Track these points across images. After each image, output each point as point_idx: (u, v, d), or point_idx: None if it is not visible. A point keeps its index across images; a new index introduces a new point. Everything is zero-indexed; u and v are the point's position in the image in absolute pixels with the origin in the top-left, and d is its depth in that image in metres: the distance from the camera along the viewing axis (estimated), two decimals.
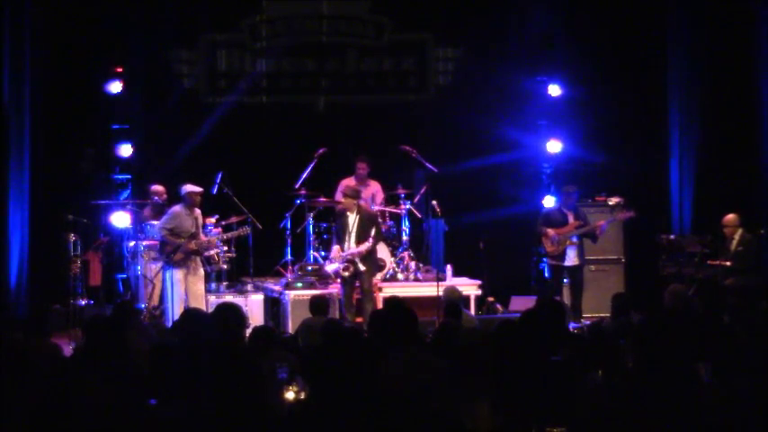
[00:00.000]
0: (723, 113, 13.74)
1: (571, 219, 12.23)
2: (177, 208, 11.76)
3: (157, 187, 12.79)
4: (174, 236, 11.59)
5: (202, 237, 11.82)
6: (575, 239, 12.15)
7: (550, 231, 12.22)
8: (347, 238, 11.74)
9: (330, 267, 12.02)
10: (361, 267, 11.63)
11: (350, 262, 11.62)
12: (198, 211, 11.79)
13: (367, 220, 11.74)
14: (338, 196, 13.36)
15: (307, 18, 14.59)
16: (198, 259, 11.74)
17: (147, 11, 13.69)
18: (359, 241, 11.64)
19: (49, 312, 12.16)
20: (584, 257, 12.33)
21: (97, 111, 13.56)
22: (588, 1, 14.22)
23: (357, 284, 11.74)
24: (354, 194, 11.90)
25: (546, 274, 13.07)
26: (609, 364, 6.56)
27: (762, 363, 5.89)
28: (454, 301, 9.98)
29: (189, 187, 11.73)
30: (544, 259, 12.78)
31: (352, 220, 11.76)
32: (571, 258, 12.19)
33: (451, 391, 5.78)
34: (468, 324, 9.37)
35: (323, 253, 13.09)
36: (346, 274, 11.65)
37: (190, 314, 8.02)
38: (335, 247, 11.93)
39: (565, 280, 12.46)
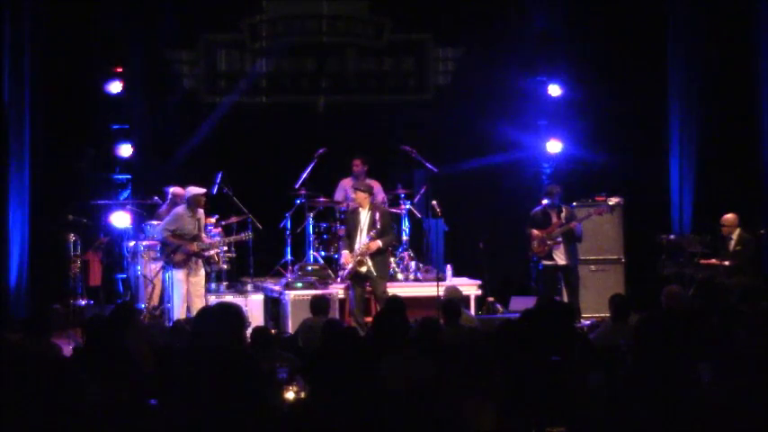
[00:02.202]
0: (723, 113, 13.74)
1: (554, 219, 12.22)
2: (180, 209, 11.74)
3: (178, 189, 12.63)
4: (176, 237, 11.58)
5: (204, 238, 11.81)
6: (558, 239, 12.15)
7: (535, 232, 12.23)
8: (358, 235, 11.52)
9: (344, 272, 11.71)
10: (374, 272, 11.40)
11: (362, 258, 11.40)
12: (201, 212, 11.77)
13: (380, 219, 11.53)
14: (338, 196, 13.37)
15: (307, 18, 14.59)
16: (199, 260, 11.73)
17: (147, 11, 13.68)
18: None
19: (49, 312, 12.18)
20: (574, 257, 12.29)
21: (97, 111, 13.55)
22: (588, 1, 14.22)
23: (368, 285, 11.59)
24: (367, 189, 11.73)
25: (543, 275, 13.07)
26: (609, 364, 6.57)
27: (762, 363, 5.89)
28: (453, 300, 9.97)
29: (193, 190, 11.70)
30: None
31: (364, 216, 11.57)
32: (559, 258, 12.18)
33: (451, 390, 5.78)
34: (468, 324, 9.38)
35: (323, 253, 13.08)
36: (363, 269, 11.40)
37: (205, 313, 8.01)
38: (345, 253, 11.65)
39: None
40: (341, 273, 11.90)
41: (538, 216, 12.32)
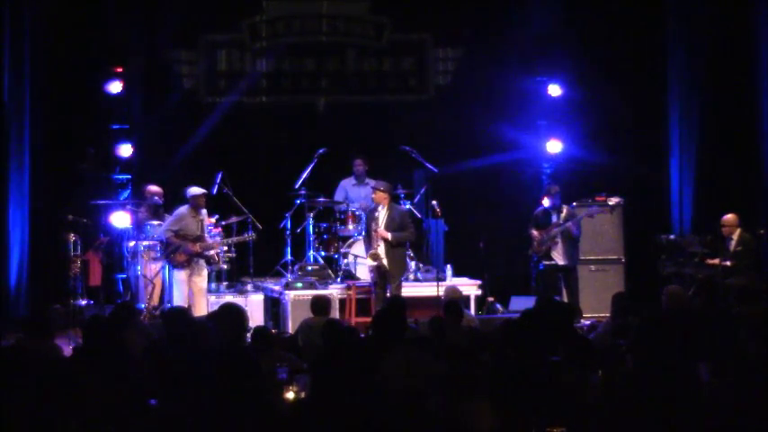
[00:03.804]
0: (723, 113, 13.74)
1: (554, 219, 12.26)
2: (183, 210, 11.73)
3: (154, 188, 12.73)
4: (179, 238, 11.57)
5: (207, 239, 11.81)
6: (557, 239, 12.19)
7: (535, 232, 12.28)
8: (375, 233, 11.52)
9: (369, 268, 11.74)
10: (389, 269, 11.39)
11: (375, 252, 11.37)
12: (204, 212, 11.78)
13: (398, 217, 11.55)
14: (338, 196, 13.38)
15: (307, 18, 14.58)
16: (201, 260, 11.73)
17: (147, 11, 13.67)
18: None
19: (50, 312, 12.16)
20: (574, 258, 12.31)
21: (97, 111, 13.54)
22: (588, 1, 14.21)
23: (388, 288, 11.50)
24: (387, 189, 11.69)
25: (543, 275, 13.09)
26: (609, 364, 6.57)
27: (761, 363, 5.89)
28: (455, 300, 9.97)
29: (194, 190, 11.71)
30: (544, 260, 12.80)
31: (382, 215, 11.56)
32: (558, 258, 12.21)
33: (451, 390, 5.78)
34: (468, 324, 9.38)
35: (323, 253, 13.08)
36: (376, 262, 11.40)
37: (173, 313, 8.05)
38: (372, 252, 11.63)
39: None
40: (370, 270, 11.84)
41: (539, 216, 12.40)
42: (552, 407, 5.65)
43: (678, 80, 14.08)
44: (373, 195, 11.86)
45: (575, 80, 14.15)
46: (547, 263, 12.27)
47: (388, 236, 11.47)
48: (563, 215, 12.25)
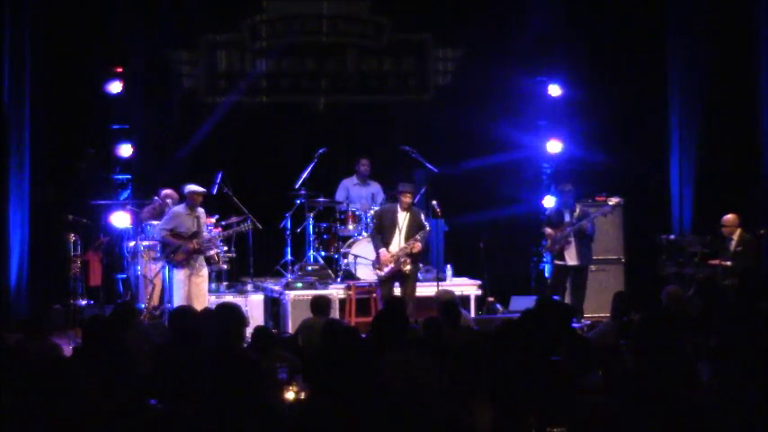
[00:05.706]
0: (723, 113, 13.75)
1: (567, 218, 12.26)
2: (178, 208, 11.71)
3: (170, 191, 12.62)
4: (176, 236, 11.56)
5: (205, 235, 11.79)
6: (569, 239, 12.18)
7: (549, 230, 12.29)
8: (396, 235, 11.33)
9: (382, 272, 11.43)
10: (408, 270, 11.30)
11: (405, 259, 11.24)
12: (200, 210, 11.74)
13: (418, 220, 11.45)
14: (339, 195, 13.38)
15: (307, 18, 14.58)
16: (201, 259, 11.70)
17: (147, 11, 13.67)
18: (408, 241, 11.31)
19: (49, 312, 12.18)
20: (586, 257, 12.29)
21: (97, 111, 13.54)
22: (589, 1, 14.22)
23: (394, 285, 11.42)
24: (416, 191, 11.59)
25: (546, 274, 13.09)
26: (609, 364, 6.57)
27: (762, 363, 5.89)
28: (451, 300, 9.93)
29: (191, 187, 11.69)
30: (544, 259, 12.80)
31: (403, 217, 11.39)
32: (570, 258, 12.21)
33: (451, 390, 5.78)
34: (466, 324, 9.36)
35: (323, 253, 13.08)
36: (408, 268, 11.23)
37: (180, 312, 8.02)
38: (383, 251, 11.36)
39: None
40: (378, 272, 11.52)
41: (553, 216, 12.43)
42: (552, 407, 5.65)
43: (678, 80, 14.09)
44: (404, 198, 11.43)
45: (575, 80, 14.16)
46: (558, 262, 12.27)
47: (420, 246, 11.33)
48: (576, 214, 12.26)
